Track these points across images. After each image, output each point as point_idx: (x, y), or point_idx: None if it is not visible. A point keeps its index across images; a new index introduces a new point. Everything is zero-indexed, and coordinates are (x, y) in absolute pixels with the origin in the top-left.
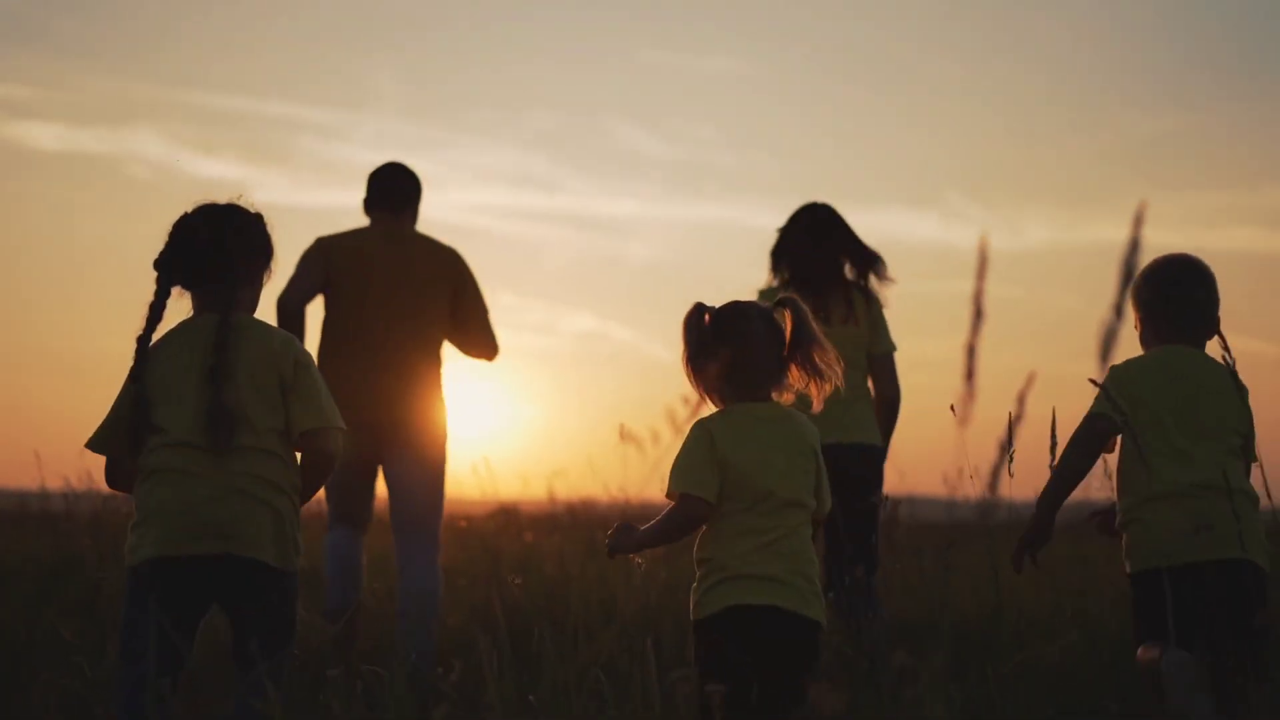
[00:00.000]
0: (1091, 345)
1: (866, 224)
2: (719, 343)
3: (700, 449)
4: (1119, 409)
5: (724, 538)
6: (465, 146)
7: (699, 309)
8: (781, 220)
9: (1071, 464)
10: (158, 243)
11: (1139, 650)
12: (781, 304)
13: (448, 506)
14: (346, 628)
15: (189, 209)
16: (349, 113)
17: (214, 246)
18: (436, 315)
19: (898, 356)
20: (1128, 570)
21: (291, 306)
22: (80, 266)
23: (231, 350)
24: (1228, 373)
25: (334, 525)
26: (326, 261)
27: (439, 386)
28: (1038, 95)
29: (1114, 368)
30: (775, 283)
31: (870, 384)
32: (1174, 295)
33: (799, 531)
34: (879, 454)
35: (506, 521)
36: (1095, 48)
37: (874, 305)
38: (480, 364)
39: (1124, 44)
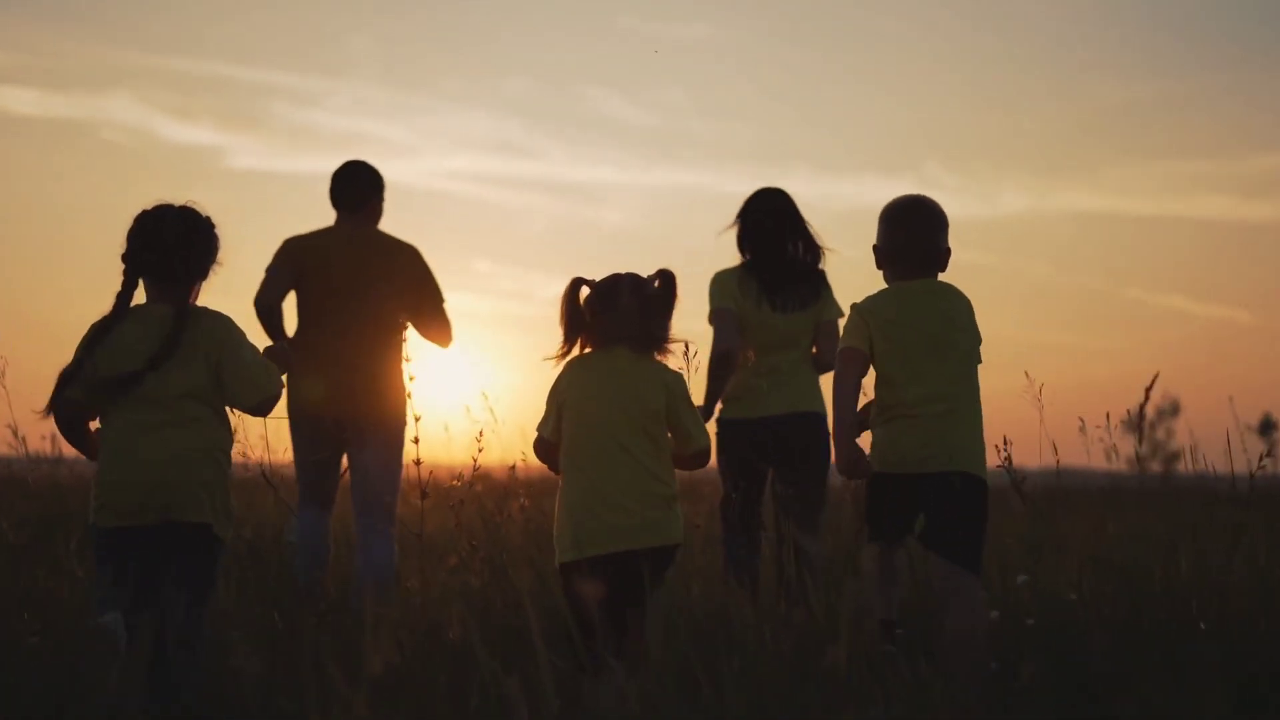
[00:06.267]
0: (1064, 312)
1: (842, 192)
2: (591, 313)
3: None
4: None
5: (565, 483)
6: (441, 113)
7: (576, 283)
8: (750, 192)
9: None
10: (134, 209)
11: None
12: (657, 275)
13: (432, 469)
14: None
15: (149, 208)
16: (325, 79)
17: (181, 247)
18: (396, 309)
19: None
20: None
21: (266, 305)
22: (55, 230)
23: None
24: (956, 296)
25: (303, 506)
26: (294, 261)
27: (399, 377)
28: (1014, 63)
29: (871, 298)
30: (737, 264)
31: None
32: (904, 235)
33: (617, 474)
34: (819, 419)
35: (506, 481)
36: (1072, 16)
37: (821, 283)
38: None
39: (1100, 12)
